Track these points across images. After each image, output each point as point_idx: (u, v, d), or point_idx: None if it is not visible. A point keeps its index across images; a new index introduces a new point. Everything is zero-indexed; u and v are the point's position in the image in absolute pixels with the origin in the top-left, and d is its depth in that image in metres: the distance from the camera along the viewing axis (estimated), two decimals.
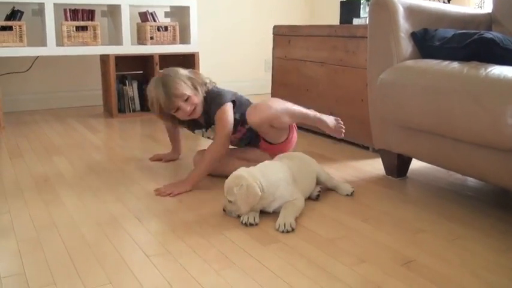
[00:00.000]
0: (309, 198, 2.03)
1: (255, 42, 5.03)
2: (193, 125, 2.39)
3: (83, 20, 3.70)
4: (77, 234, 1.71)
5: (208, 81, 2.36)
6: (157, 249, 1.60)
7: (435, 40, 2.19)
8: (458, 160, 1.91)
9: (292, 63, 3.41)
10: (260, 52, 5.04)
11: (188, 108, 2.19)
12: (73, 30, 3.62)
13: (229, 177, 1.84)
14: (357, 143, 2.94)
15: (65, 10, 3.65)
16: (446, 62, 1.97)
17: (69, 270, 1.46)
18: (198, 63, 4.05)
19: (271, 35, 3.62)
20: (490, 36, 1.94)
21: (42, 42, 3.64)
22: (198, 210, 1.95)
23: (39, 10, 3.74)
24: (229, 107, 2.24)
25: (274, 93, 3.61)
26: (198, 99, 2.22)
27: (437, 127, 1.90)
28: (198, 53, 4.04)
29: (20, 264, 1.49)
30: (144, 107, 4.02)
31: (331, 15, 4.66)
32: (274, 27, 3.59)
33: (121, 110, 3.94)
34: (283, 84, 3.50)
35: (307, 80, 3.26)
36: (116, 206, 1.98)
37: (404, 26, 2.23)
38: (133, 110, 3.98)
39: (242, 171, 1.84)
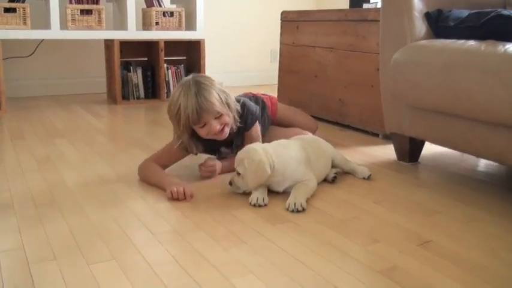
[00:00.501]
0: (325, 181, 1.97)
1: (261, 32, 4.96)
2: (211, 145, 2.06)
3: (87, 4, 3.64)
4: (78, 212, 1.65)
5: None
6: (162, 227, 1.54)
7: (449, 20, 2.12)
8: (474, 141, 1.84)
9: (300, 50, 3.34)
10: (266, 42, 4.97)
11: (218, 127, 1.90)
12: (77, 14, 3.56)
13: (242, 150, 1.80)
14: (366, 129, 2.87)
15: None
16: (462, 41, 1.91)
17: (70, 246, 1.40)
18: (204, 50, 3.98)
19: (278, 25, 3.55)
20: (508, 13, 1.88)
21: (46, 26, 3.58)
22: (204, 191, 1.88)
23: None
24: (258, 126, 2.11)
25: (282, 81, 3.54)
26: (229, 119, 1.93)
27: (453, 106, 1.83)
28: (203, 40, 3.97)
29: (19, 240, 1.43)
30: (149, 94, 3.96)
31: (338, 3, 4.59)
32: (282, 12, 3.52)
33: (125, 97, 3.87)
34: (291, 71, 3.43)
35: (315, 66, 3.19)
36: (119, 186, 1.92)
37: (418, 5, 2.16)
38: (138, 97, 3.92)
39: (257, 146, 1.80)
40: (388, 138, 2.67)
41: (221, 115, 1.90)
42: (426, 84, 1.92)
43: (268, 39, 4.92)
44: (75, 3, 3.60)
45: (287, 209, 1.68)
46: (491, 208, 1.75)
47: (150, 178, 1.95)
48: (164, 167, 2.01)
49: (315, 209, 1.71)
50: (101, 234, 1.48)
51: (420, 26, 2.14)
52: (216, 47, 4.71)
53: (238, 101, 2.05)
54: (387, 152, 2.48)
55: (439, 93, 1.87)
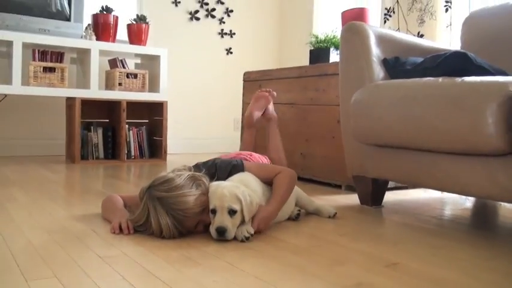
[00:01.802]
0: (289, 219, 1.88)
1: (224, 99, 4.98)
2: None
3: (51, 62, 3.59)
4: (22, 239, 1.50)
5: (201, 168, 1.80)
6: (111, 252, 1.40)
7: (407, 65, 2.15)
8: (438, 175, 1.80)
9: None
10: (229, 110, 4.97)
11: (209, 219, 1.60)
12: (40, 71, 3.49)
13: (220, 188, 1.57)
14: (329, 182, 2.81)
15: (33, 51, 3.55)
16: (419, 78, 1.92)
17: (9, 265, 1.25)
18: (167, 112, 3.94)
19: (241, 95, 3.58)
20: (464, 51, 1.91)
21: (8, 82, 3.49)
22: None
23: (7, 53, 3.62)
24: (246, 163, 1.89)
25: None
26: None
27: (415, 138, 1.80)
28: (166, 102, 3.95)
29: None
30: (108, 154, 3.85)
31: (298, 63, 4.66)
32: (245, 73, 3.55)
33: (84, 157, 3.74)
34: None
35: None
36: (70, 222, 1.77)
37: (376, 51, 2.19)
38: (97, 158, 3.80)
39: (223, 183, 1.65)
40: (351, 189, 2.62)
41: (204, 207, 1.58)
42: (386, 118, 1.90)
43: (231, 107, 4.92)
44: (39, 60, 3.55)
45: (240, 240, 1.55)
46: (457, 238, 1.68)
47: (104, 210, 1.82)
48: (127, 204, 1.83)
49: (275, 238, 1.61)
50: (43, 257, 1.33)
51: (378, 71, 2.17)
52: (178, 113, 4.68)
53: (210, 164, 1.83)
54: (351, 199, 2.42)
55: (399, 126, 1.85)
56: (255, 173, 1.80)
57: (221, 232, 1.53)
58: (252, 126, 2.43)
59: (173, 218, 1.53)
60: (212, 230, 1.55)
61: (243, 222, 1.59)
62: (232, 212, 1.55)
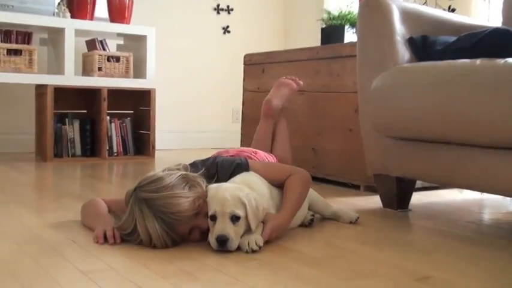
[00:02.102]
0: (301, 225, 1.88)
1: (222, 87, 4.98)
2: None
3: (16, 43, 3.59)
4: None
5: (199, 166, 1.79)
6: (96, 265, 1.40)
7: (437, 45, 2.15)
8: (475, 173, 1.81)
9: (265, 96, 3.33)
10: (228, 99, 4.96)
11: (206, 223, 1.59)
12: (4, 54, 3.48)
13: (220, 191, 1.57)
14: (345, 181, 2.81)
15: None
16: (451, 60, 1.91)
17: None
18: (154, 101, 3.94)
19: (241, 81, 3.59)
20: (506, 28, 1.91)
21: None
22: None
23: None
24: (251, 161, 1.89)
25: (245, 132, 3.50)
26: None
27: (447, 131, 1.80)
28: (154, 89, 3.94)
29: None
30: (86, 151, 3.85)
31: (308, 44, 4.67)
32: (245, 56, 3.55)
33: (57, 155, 3.73)
34: (256, 120, 3.36)
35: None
36: (44, 231, 1.76)
37: (400, 29, 2.19)
38: (73, 155, 3.79)
39: (227, 184, 1.66)
40: (371, 190, 2.62)
41: (199, 210, 1.57)
42: (413, 108, 1.90)
43: (230, 95, 4.91)
44: (2, 42, 3.54)
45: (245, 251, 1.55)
46: (498, 246, 1.69)
47: (85, 216, 1.82)
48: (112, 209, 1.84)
49: (286, 249, 1.61)
50: (12, 272, 1.33)
51: (403, 52, 2.16)
52: (168, 103, 4.67)
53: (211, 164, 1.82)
54: (371, 200, 2.43)
55: (429, 116, 1.85)
56: (262, 174, 1.80)
57: (222, 242, 1.52)
58: (269, 117, 2.47)
59: (162, 222, 1.52)
60: (212, 239, 1.55)
61: (247, 230, 1.58)
62: (235, 219, 1.54)
